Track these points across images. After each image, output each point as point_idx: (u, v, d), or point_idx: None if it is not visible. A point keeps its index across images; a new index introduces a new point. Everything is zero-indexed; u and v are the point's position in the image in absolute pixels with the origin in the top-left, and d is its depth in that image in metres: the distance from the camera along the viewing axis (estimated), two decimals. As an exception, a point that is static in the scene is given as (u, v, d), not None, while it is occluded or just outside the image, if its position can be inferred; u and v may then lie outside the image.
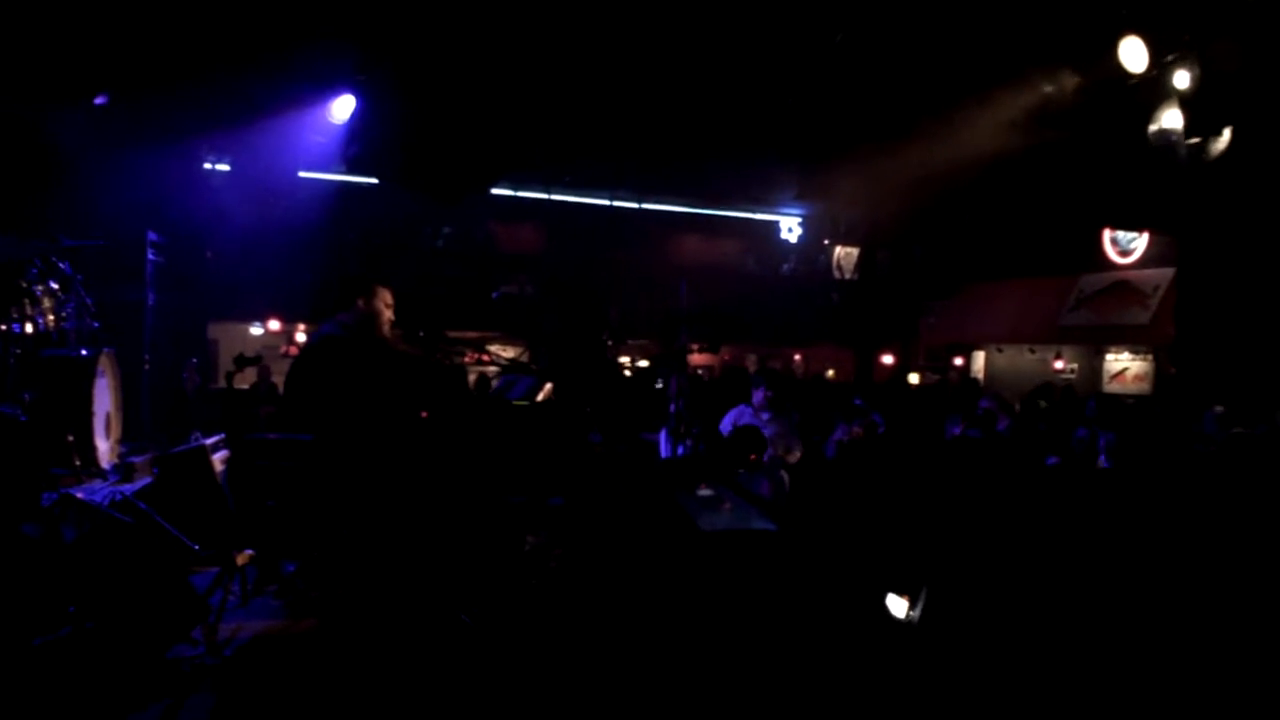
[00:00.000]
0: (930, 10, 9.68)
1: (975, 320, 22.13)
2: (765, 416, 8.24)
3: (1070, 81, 10.43)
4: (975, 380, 19.98)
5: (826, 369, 23.33)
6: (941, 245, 18.43)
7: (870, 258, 20.45)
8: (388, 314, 6.10)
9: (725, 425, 8.43)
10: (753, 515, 5.01)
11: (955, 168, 12.23)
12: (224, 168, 12.58)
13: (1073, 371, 20.85)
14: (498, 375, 8.23)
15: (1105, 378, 20.45)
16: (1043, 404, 12.73)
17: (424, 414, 5.73)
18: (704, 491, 5.37)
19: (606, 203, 19.31)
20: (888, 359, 21.64)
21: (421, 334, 6.53)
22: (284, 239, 13.90)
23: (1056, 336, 20.70)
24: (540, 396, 6.89)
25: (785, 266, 21.84)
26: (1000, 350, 22.47)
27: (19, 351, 7.09)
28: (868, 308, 20.48)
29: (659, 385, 10.09)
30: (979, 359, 23.01)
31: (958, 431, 9.06)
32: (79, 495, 6.00)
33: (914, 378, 21.00)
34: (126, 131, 9.87)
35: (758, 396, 8.37)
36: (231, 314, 17.18)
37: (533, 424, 6.02)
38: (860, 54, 10.64)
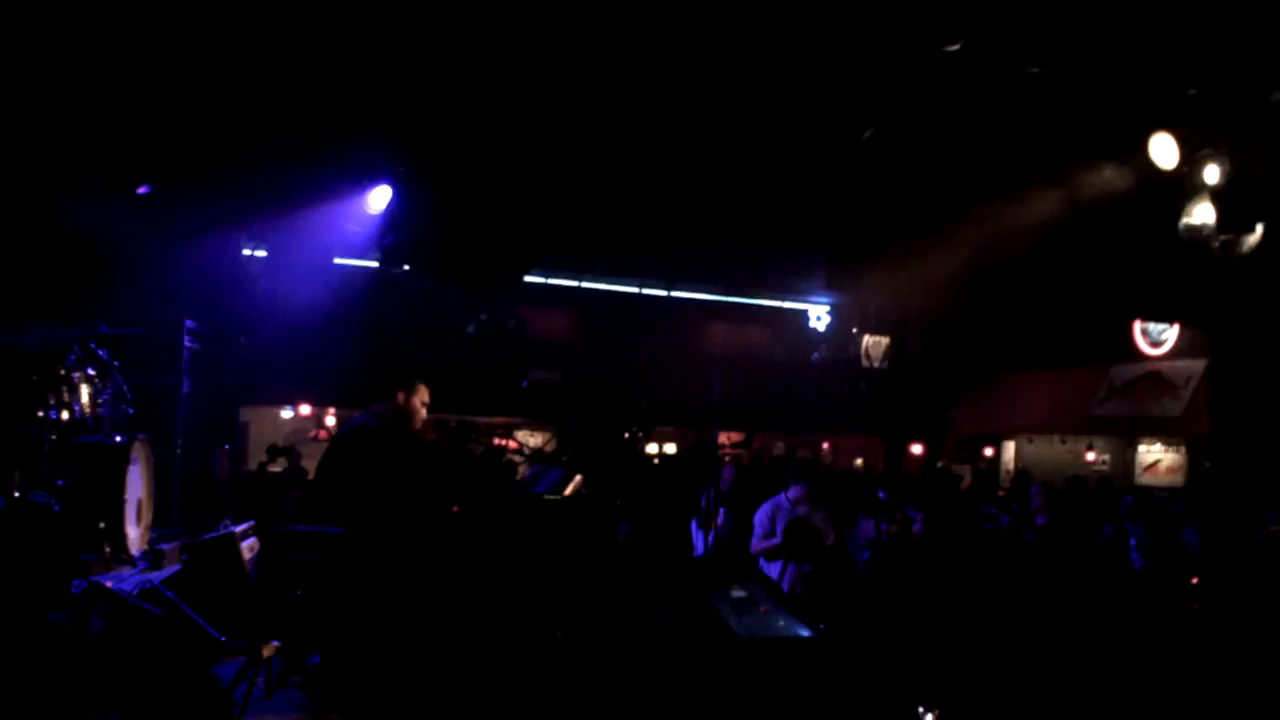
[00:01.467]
0: (961, 106, 9.77)
1: (1005, 410, 21.99)
2: (801, 510, 8.18)
3: (1101, 175, 10.48)
4: (985, 472, 19.85)
5: (855, 458, 23.19)
6: (971, 335, 18.40)
7: (899, 347, 20.43)
8: (422, 411, 6.17)
9: (761, 518, 8.36)
10: (788, 620, 4.95)
11: (985, 259, 12.26)
12: (261, 254, 12.77)
13: (1104, 463, 20.64)
14: (525, 463, 8.23)
15: (1138, 469, 20.23)
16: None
17: (455, 508, 5.73)
18: (737, 592, 5.31)
19: (636, 290, 19.44)
20: (917, 449, 21.50)
21: (453, 424, 6.55)
22: (318, 324, 14.03)
23: (1088, 427, 20.53)
24: (569, 490, 6.88)
25: (814, 355, 21.83)
26: (1031, 441, 22.28)
27: (54, 437, 7.15)
28: (897, 397, 20.41)
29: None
30: (1009, 449, 22.82)
31: (992, 512, 8.99)
32: (107, 584, 6.00)
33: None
34: (168, 220, 10.06)
35: (794, 492, 8.33)
36: (263, 397, 17.30)
37: (561, 518, 6.00)
38: (890, 147, 10.74)
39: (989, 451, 22.68)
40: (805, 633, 4.84)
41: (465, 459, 6.07)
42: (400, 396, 6.29)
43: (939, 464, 20.30)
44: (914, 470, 19.81)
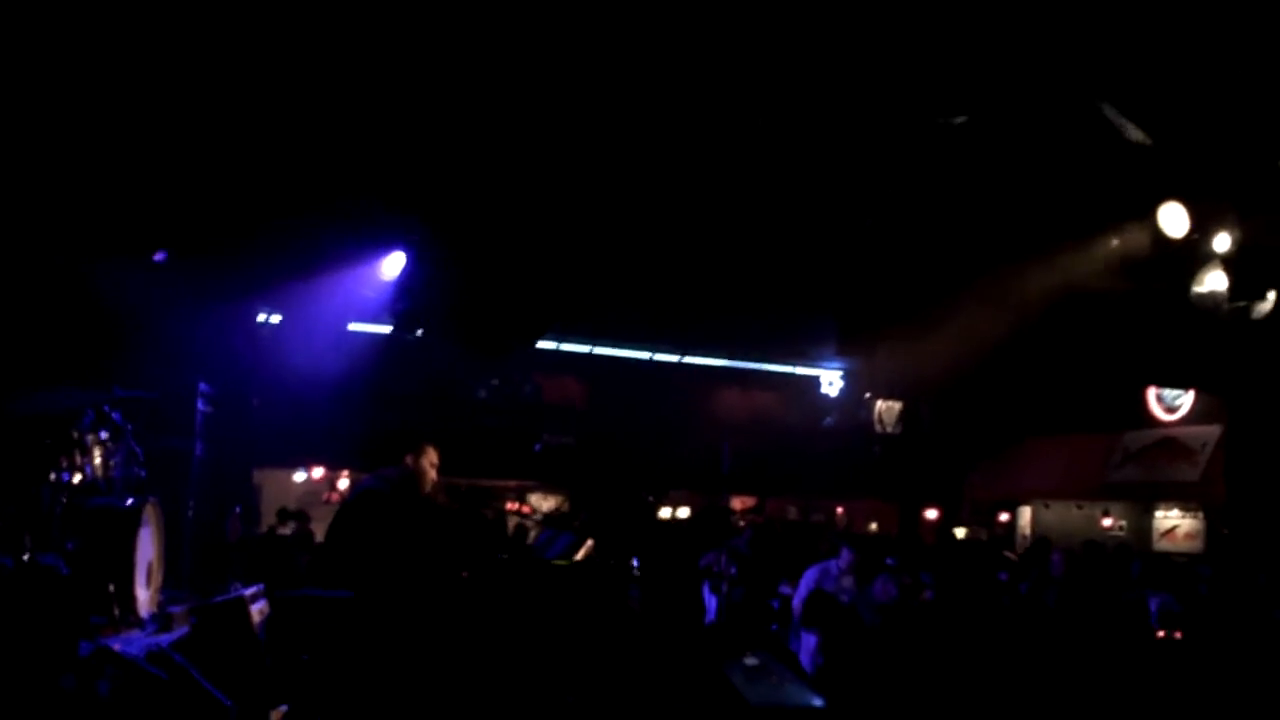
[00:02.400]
0: (971, 177, 9.86)
1: (1021, 475, 21.89)
2: (848, 581, 8.17)
3: (1113, 242, 10.51)
4: (1001, 538, 19.71)
5: (869, 522, 23.06)
6: (985, 401, 18.36)
7: (912, 412, 20.39)
8: (432, 473, 6.18)
9: (807, 583, 8.33)
10: (800, 689, 4.91)
11: (998, 326, 12.28)
12: (276, 319, 12.86)
13: (1121, 529, 20.47)
14: (537, 527, 8.23)
15: (1155, 535, 20.06)
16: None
17: (464, 573, 5.72)
18: (750, 660, 5.27)
19: (648, 356, 19.47)
20: (932, 513, 21.37)
21: (464, 488, 6.54)
22: (331, 388, 14.09)
23: (1104, 493, 20.40)
24: (580, 554, 6.87)
25: (827, 420, 21.79)
26: (1047, 506, 22.13)
27: (65, 500, 7.16)
28: (910, 462, 20.33)
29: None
30: (1025, 514, 22.66)
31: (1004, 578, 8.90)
32: (115, 647, 5.98)
33: (960, 532, 20.71)
34: (183, 285, 10.16)
35: (843, 559, 8.33)
36: (275, 460, 17.31)
37: (572, 584, 5.98)
38: (900, 218, 10.82)
39: (1005, 516, 22.53)
40: (817, 702, 4.80)
41: (474, 523, 6.07)
42: (408, 459, 6.32)
43: (958, 530, 20.19)
44: (928, 535, 19.69)
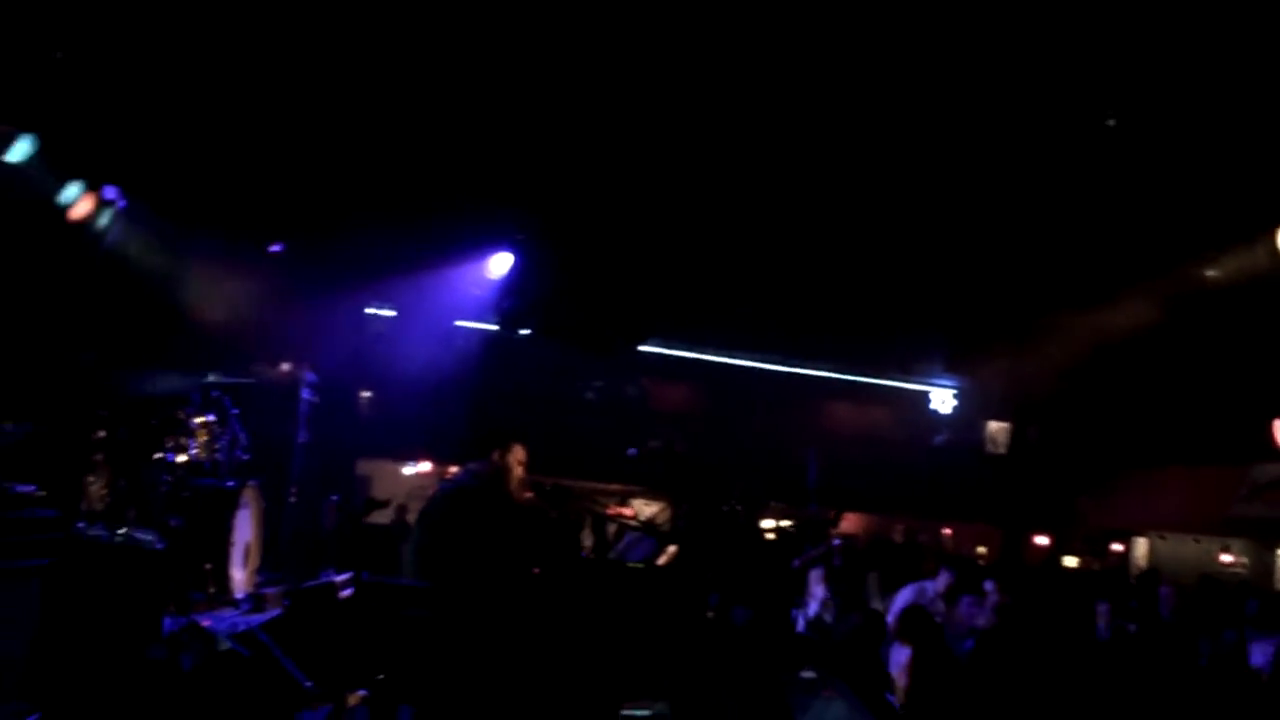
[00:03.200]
0: (1089, 192, 9.59)
1: (1136, 505, 21.10)
2: (940, 605, 8.05)
3: (1234, 266, 10.14)
4: (1114, 569, 19.06)
5: (977, 546, 22.52)
6: (1099, 425, 17.80)
7: (1021, 434, 19.86)
8: (519, 470, 6.24)
9: (903, 599, 8.23)
10: (850, 710, 4.81)
11: (1113, 348, 11.93)
12: (387, 313, 13.17)
13: (1243, 566, 19.63)
14: (635, 534, 8.24)
15: (1279, 575, 19.20)
16: None
17: (535, 570, 5.77)
18: (806, 674, 5.19)
19: (756, 365, 19.36)
20: (1042, 540, 20.78)
21: (548, 487, 6.61)
22: (439, 383, 14.34)
23: (1226, 528, 19.58)
24: (662, 560, 6.86)
25: (937, 438, 21.35)
26: (1164, 538, 21.34)
27: (169, 479, 7.45)
28: (1020, 486, 19.79)
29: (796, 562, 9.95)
30: (1140, 545, 21.88)
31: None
32: (204, 623, 6.19)
33: (1071, 561, 20.10)
34: (297, 278, 10.48)
35: (943, 580, 8.23)
36: (385, 452, 17.66)
37: (646, 588, 5.97)
38: (1013, 233, 10.58)
39: (1118, 547, 21.78)
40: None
41: (554, 522, 6.12)
42: (495, 455, 6.38)
43: (1069, 559, 19.61)
44: (1035, 562, 19.16)
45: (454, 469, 18.97)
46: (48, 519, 5.43)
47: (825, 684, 4.99)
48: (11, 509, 4.75)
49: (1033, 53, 7.34)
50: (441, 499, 6.62)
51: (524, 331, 12.30)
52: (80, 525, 6.34)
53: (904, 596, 8.41)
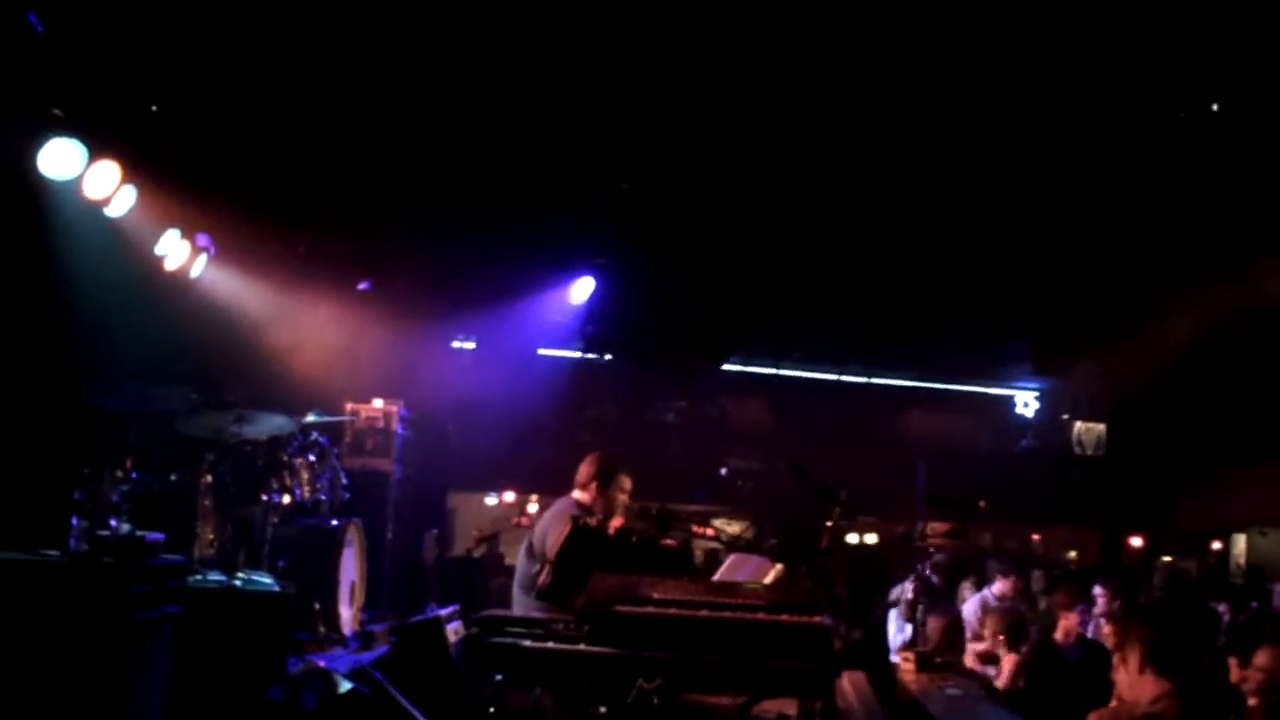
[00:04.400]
0: (1179, 185, 9.37)
1: (1234, 501, 20.52)
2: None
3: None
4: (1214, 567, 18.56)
5: (1067, 550, 22.07)
6: (1193, 422, 17.38)
7: (1115, 434, 19.47)
8: (623, 498, 6.26)
9: (968, 617, 8.13)
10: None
11: (1207, 342, 11.65)
12: (469, 346, 13.25)
13: (1345, 560, 19.03)
14: (723, 551, 8.17)
15: (1388, 569, 18.58)
16: None
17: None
18: (951, 690, 5.07)
19: (835, 378, 19.16)
20: (1136, 541, 20.31)
21: (655, 511, 6.56)
22: (522, 413, 14.38)
23: (1328, 522, 19.02)
24: (770, 578, 6.78)
25: (1023, 442, 20.99)
26: (1264, 534, 20.72)
27: (276, 521, 7.53)
28: (1112, 487, 19.38)
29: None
30: (1239, 543, 21.26)
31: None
32: (321, 663, 6.23)
33: (1166, 561, 19.59)
34: (384, 314, 10.58)
35: (998, 587, 8.12)
36: (470, 484, 17.73)
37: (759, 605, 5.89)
38: (1100, 228, 10.38)
39: (1217, 545, 21.20)
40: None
41: (662, 551, 6.06)
42: (600, 484, 6.41)
43: (1165, 559, 19.13)
44: (1132, 563, 18.75)
45: (535, 498, 19.00)
46: (179, 565, 5.50)
47: (974, 700, 4.89)
48: (149, 556, 4.81)
49: (1124, 36, 7.17)
50: (574, 540, 6.55)
51: (607, 356, 12.32)
52: (198, 571, 6.42)
53: (970, 606, 8.32)
